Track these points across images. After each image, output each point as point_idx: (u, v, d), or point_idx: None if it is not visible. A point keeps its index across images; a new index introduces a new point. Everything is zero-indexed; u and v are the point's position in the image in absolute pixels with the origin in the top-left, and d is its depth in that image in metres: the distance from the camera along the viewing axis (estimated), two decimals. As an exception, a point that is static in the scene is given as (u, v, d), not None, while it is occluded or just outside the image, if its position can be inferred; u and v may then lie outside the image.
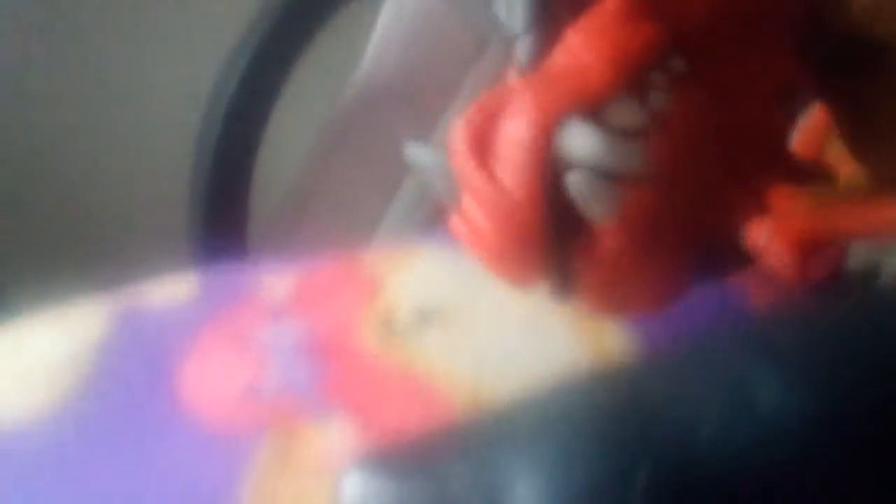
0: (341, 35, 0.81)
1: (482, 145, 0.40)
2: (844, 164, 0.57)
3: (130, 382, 0.49)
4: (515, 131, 0.40)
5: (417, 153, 0.44)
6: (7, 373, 0.50)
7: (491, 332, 0.49)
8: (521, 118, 0.40)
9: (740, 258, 0.44)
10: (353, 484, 0.38)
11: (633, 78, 0.39)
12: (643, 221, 0.41)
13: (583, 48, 0.40)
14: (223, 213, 0.77)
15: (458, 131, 0.41)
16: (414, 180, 0.79)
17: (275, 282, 0.54)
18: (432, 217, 0.78)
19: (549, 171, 0.39)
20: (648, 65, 0.39)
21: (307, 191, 0.80)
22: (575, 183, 0.39)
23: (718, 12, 0.41)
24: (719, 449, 0.36)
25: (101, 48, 1.04)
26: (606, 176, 0.39)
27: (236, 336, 0.51)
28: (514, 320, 0.50)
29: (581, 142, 0.39)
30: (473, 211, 0.41)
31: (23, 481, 0.46)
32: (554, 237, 0.40)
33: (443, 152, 0.42)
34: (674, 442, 0.36)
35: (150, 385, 0.49)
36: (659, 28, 0.39)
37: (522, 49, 0.42)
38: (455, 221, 0.42)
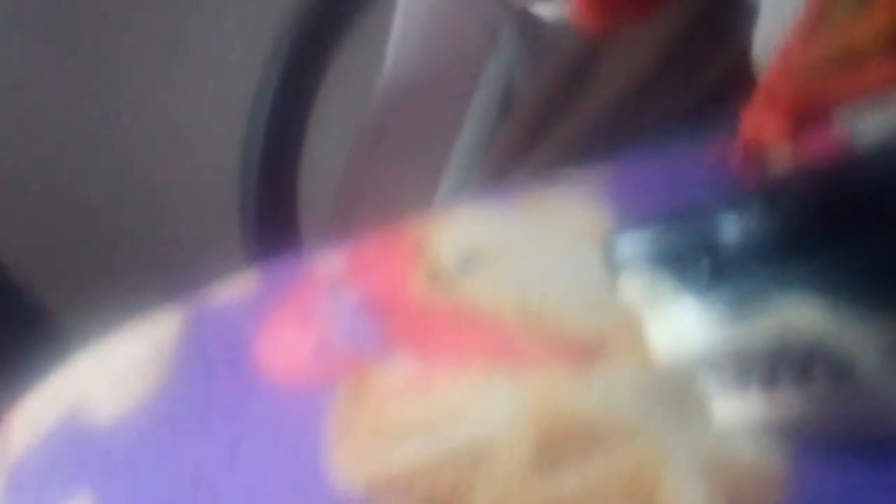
0: (365, 39, 0.86)
1: None
2: (847, 24, 0.60)
3: (211, 368, 0.53)
4: None
5: None
6: (101, 378, 0.54)
7: (528, 263, 0.53)
8: None
9: None
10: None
11: None
12: None
13: None
14: (275, 216, 0.81)
15: None
16: (455, 164, 0.83)
17: (329, 259, 0.58)
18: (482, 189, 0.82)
19: None
20: None
21: (354, 187, 0.84)
22: None
23: None
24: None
25: (140, 67, 1.07)
26: None
27: (301, 311, 0.55)
28: (548, 250, 0.53)
29: None
30: None
31: (127, 467, 0.50)
32: None
33: None
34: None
35: (229, 367, 0.53)
36: None
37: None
38: None
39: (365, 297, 0.54)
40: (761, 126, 0.61)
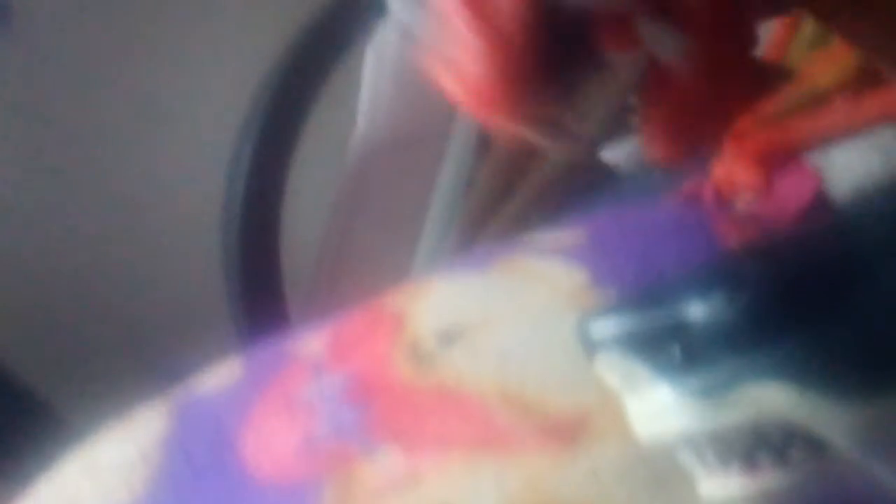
0: (339, 96, 0.85)
1: None
2: (808, 67, 0.60)
3: (197, 464, 0.53)
4: None
5: (394, 3, 0.44)
6: (88, 483, 0.54)
7: (507, 335, 0.52)
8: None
9: None
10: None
11: None
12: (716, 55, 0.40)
13: None
14: (259, 291, 0.81)
15: None
16: (434, 214, 0.83)
17: (310, 341, 0.58)
18: (461, 245, 0.82)
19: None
20: None
21: (336, 249, 0.84)
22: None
23: None
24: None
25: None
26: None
27: (285, 399, 0.55)
28: (526, 320, 0.53)
29: None
30: (459, 53, 0.40)
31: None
32: (557, 70, 0.39)
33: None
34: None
35: (215, 462, 0.52)
36: None
37: None
38: (437, 70, 0.41)
39: (348, 380, 0.54)
40: (732, 172, 0.60)
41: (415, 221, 0.81)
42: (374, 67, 0.84)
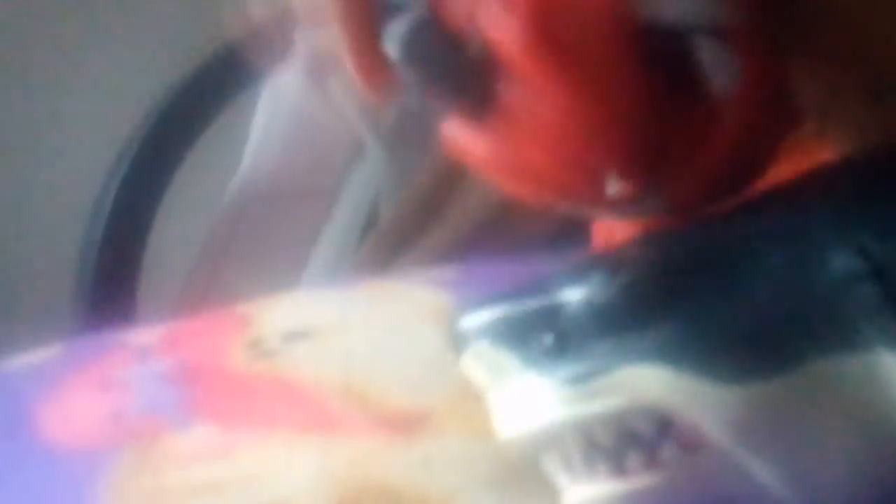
0: (223, 136, 0.82)
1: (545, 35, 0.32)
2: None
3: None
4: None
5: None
6: None
7: (357, 339, 0.48)
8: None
9: None
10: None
11: None
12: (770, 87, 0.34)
13: None
14: (109, 308, 0.76)
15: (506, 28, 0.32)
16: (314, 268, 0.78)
17: (143, 333, 0.53)
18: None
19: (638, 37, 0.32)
20: None
21: (200, 290, 0.79)
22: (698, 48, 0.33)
23: None
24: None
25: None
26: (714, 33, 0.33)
27: (101, 378, 0.49)
28: (380, 328, 0.49)
29: None
30: (522, 133, 0.34)
31: None
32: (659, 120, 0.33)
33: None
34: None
35: (6, 430, 0.47)
36: None
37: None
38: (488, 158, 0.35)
39: (175, 366, 0.49)
40: (612, 231, 0.57)
41: (290, 270, 0.77)
42: (268, 110, 0.81)
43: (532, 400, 0.37)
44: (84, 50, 1.06)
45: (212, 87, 0.81)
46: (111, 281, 0.78)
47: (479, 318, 0.39)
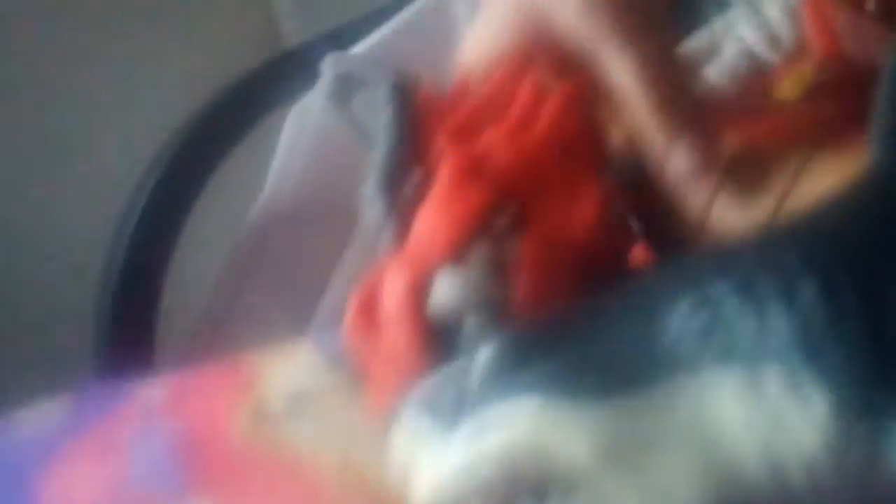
0: (249, 156, 0.82)
1: (369, 317, 0.45)
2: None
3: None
4: (393, 294, 0.44)
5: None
6: None
7: (357, 412, 0.49)
8: (396, 282, 0.44)
9: None
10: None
11: (476, 230, 0.44)
12: None
13: (431, 216, 0.46)
14: (130, 335, 0.77)
15: (348, 311, 0.45)
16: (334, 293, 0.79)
17: (150, 391, 0.54)
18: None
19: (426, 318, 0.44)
20: (484, 217, 0.44)
21: (221, 311, 0.79)
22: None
23: (536, 164, 0.46)
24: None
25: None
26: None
27: (105, 442, 0.50)
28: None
29: (447, 289, 0.44)
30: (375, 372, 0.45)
31: None
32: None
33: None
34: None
35: (7, 501, 0.48)
36: (486, 187, 0.45)
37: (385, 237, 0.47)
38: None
39: (178, 431, 0.50)
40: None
41: (311, 292, 0.77)
42: (294, 131, 0.81)
43: (438, 461, 0.39)
44: (111, 72, 1.06)
45: (236, 111, 0.81)
46: (131, 302, 0.78)
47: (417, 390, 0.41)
